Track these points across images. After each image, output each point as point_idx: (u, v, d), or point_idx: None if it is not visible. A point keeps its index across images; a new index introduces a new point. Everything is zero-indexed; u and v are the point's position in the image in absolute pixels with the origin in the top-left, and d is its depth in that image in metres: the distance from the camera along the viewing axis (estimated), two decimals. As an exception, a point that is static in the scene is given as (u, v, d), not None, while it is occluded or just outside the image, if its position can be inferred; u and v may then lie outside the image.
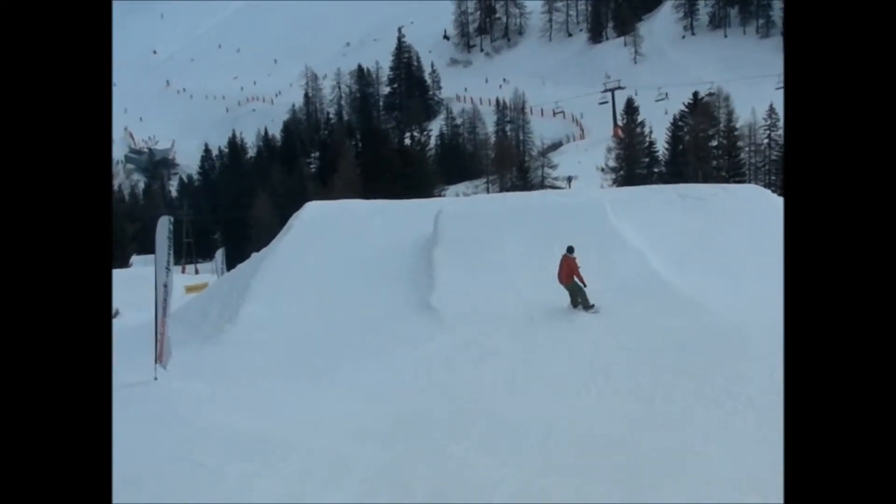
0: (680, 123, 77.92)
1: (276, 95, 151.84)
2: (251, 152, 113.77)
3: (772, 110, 73.10)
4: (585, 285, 15.00)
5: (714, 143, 74.99)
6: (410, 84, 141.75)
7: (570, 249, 15.22)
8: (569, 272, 15.04)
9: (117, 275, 47.01)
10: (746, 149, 75.80)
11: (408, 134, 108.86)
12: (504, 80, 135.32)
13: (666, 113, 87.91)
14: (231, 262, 43.22)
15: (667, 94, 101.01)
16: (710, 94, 78.37)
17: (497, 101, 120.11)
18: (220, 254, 53.01)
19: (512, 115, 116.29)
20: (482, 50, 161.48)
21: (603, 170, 78.20)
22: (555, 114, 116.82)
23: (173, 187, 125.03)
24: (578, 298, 15.04)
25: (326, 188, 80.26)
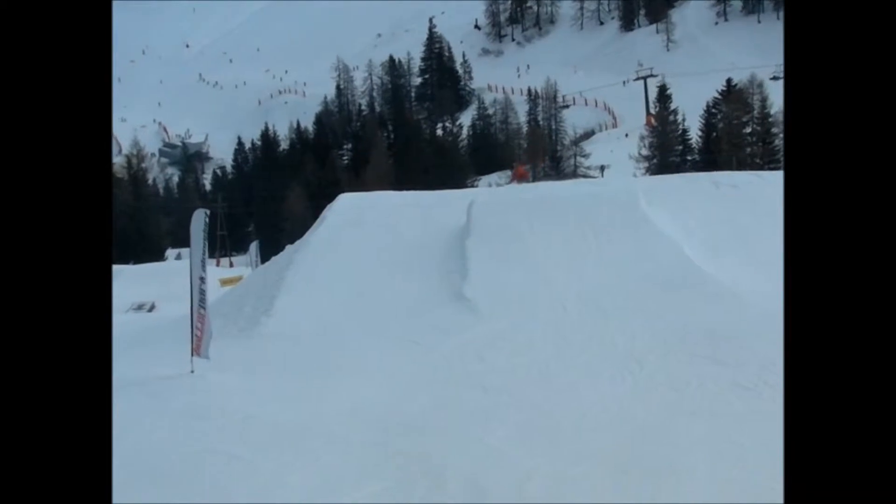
0: (714, 111, 77.35)
1: (305, 85, 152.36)
2: (284, 145, 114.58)
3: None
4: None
5: (748, 129, 74.38)
6: (442, 75, 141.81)
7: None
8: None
9: (152, 268, 47.47)
10: (781, 135, 75.02)
11: (440, 125, 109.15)
12: (528, 66, 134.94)
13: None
14: (265, 255, 43.61)
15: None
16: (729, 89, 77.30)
17: (529, 90, 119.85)
18: (254, 246, 53.45)
19: (544, 105, 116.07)
20: (513, 39, 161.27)
21: (636, 158, 77.90)
22: (574, 102, 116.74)
23: (207, 180, 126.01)
24: None
25: (359, 180, 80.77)
